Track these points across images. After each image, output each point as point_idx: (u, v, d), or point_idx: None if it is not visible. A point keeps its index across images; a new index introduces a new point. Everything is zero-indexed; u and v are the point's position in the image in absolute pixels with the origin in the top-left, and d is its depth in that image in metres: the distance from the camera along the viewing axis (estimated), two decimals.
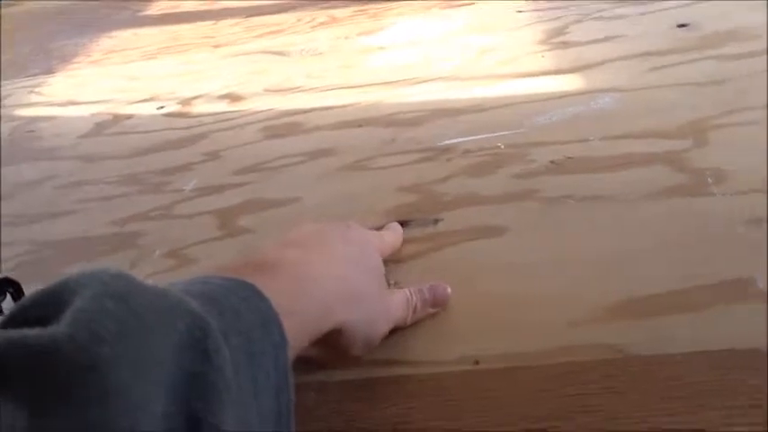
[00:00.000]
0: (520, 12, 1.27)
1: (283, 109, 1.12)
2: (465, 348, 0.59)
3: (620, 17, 1.15)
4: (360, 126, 1.01)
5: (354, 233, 0.59)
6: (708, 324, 0.57)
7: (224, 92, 1.24)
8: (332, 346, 0.50)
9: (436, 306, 0.61)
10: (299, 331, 0.42)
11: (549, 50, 1.10)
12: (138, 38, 1.63)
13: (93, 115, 1.27)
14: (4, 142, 1.25)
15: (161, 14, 1.80)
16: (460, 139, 0.91)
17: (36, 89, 1.46)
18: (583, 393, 0.53)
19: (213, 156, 1.03)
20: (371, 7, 1.47)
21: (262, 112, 1.13)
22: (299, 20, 1.51)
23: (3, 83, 1.53)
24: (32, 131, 1.27)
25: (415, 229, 0.76)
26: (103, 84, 1.40)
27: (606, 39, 1.09)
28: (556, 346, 0.58)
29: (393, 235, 0.70)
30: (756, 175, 0.71)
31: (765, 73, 0.89)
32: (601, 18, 1.17)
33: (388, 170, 0.89)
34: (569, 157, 0.82)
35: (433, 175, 0.85)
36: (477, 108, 0.98)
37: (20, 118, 1.34)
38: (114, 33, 1.69)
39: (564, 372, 0.56)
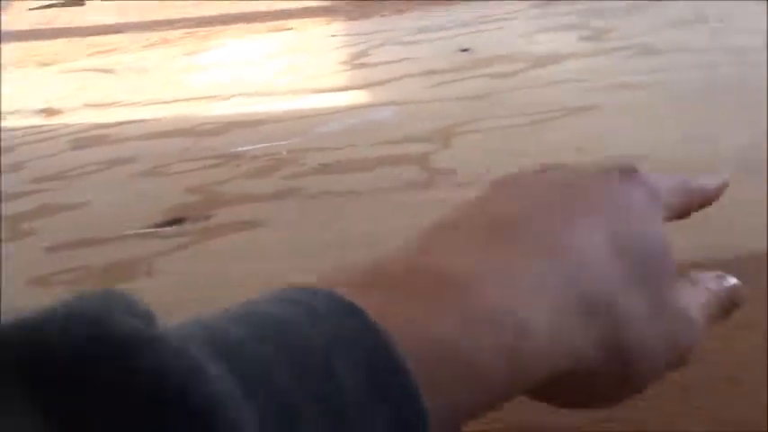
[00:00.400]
0: (333, 36, 1.39)
1: (96, 122, 1.16)
2: None
3: (416, 42, 1.29)
4: (163, 137, 1.07)
5: (626, 188, 0.30)
6: None
7: (42, 107, 1.26)
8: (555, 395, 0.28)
9: (730, 313, 0.33)
10: (467, 397, 0.23)
11: (348, 70, 1.22)
12: None
13: None
14: None
15: None
16: (250, 147, 0.99)
17: None
18: None
19: (16, 167, 1.05)
20: (202, 30, 1.54)
21: (75, 125, 1.16)
22: (132, 41, 1.56)
23: None
24: None
25: (187, 225, 0.83)
26: None
27: (399, 60, 1.22)
28: None
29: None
30: (478, 172, 0.84)
31: (524, 89, 1.04)
32: (400, 43, 1.31)
33: (180, 175, 0.96)
34: (337, 161, 0.92)
35: (217, 178, 0.92)
36: (274, 119, 1.07)
37: None
38: None
39: None
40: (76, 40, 1.60)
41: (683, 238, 0.32)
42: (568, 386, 0.26)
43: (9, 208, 0.94)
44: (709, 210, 0.36)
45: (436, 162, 0.88)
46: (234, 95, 1.18)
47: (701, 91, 0.97)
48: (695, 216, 0.35)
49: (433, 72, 1.16)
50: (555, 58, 1.13)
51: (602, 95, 1.00)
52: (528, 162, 0.84)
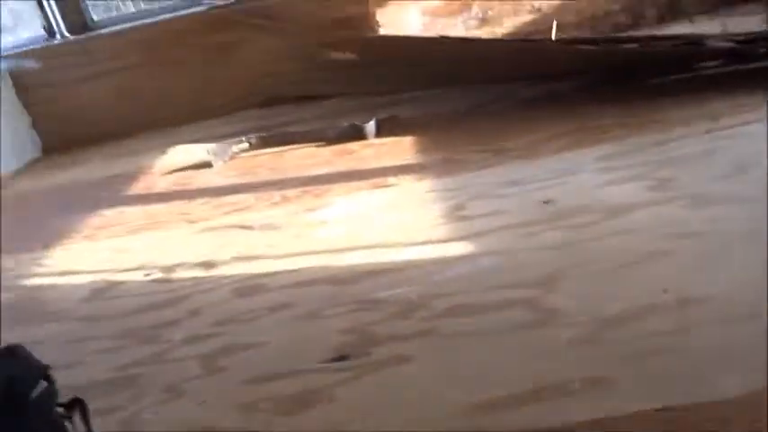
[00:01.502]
0: (429, 192, 1.66)
1: (249, 273, 1.43)
2: None
3: (504, 196, 1.55)
4: (310, 285, 1.33)
5: None
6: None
7: (200, 260, 1.54)
8: None
9: None
10: None
11: (449, 222, 1.47)
12: (122, 215, 1.95)
13: (89, 283, 1.54)
14: (12, 307, 1.50)
15: (139, 195, 2.13)
16: (384, 293, 1.23)
17: (36, 261, 1.73)
18: None
19: (195, 312, 1.31)
20: (314, 188, 1.84)
21: (232, 276, 1.43)
22: (257, 199, 1.87)
23: (4, 256, 1.80)
24: (36, 298, 1.53)
25: (352, 361, 1.05)
26: (96, 256, 1.69)
27: (492, 213, 1.47)
28: None
29: None
30: (582, 314, 1.05)
31: (604, 238, 1.27)
32: (489, 196, 1.56)
33: (333, 318, 1.19)
34: (459, 305, 1.15)
35: (366, 321, 1.16)
36: (397, 269, 1.32)
37: (23, 287, 1.60)
38: (101, 212, 2.00)
39: None
40: (212, 200, 1.92)
41: None
42: None
43: (200, 348, 1.18)
44: None
45: (544, 304, 1.10)
46: (357, 248, 1.44)
47: (753, 235, 1.17)
48: None
49: (523, 223, 1.40)
50: (626, 209, 1.35)
51: (671, 242, 1.20)
52: (622, 304, 1.05)
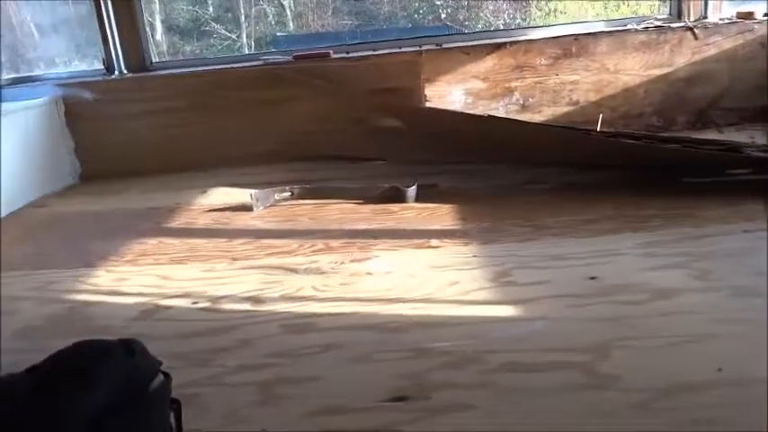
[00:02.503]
0: (473, 257, 1.71)
1: (298, 312, 1.46)
2: None
3: (548, 267, 1.60)
4: (360, 330, 1.35)
5: None
6: None
7: (247, 295, 1.57)
8: None
9: None
10: None
11: (497, 287, 1.52)
12: (163, 245, 1.99)
13: (137, 304, 1.56)
14: (57, 319, 1.52)
15: (180, 228, 2.18)
16: (438, 344, 1.26)
17: (80, 279, 1.75)
18: None
19: (245, 343, 1.33)
20: (358, 241, 1.89)
21: (281, 312, 1.46)
22: (300, 245, 1.91)
23: (44, 271, 1.82)
24: (83, 313, 1.55)
25: (411, 403, 1.07)
26: (141, 280, 1.72)
27: (539, 282, 1.52)
28: None
29: None
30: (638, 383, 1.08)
31: (654, 317, 1.31)
32: (535, 267, 1.61)
33: (385, 362, 1.22)
34: (514, 362, 1.17)
35: (420, 368, 1.18)
36: (448, 323, 1.35)
37: (69, 301, 1.62)
38: (142, 240, 2.04)
39: None
40: (254, 241, 1.97)
41: None
42: None
43: (256, 375, 1.20)
44: None
45: (599, 370, 1.13)
46: (406, 300, 1.48)
47: None
48: None
49: (570, 295, 1.44)
50: (671, 292, 1.40)
51: (720, 325, 1.25)
52: (677, 377, 1.08)
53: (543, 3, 4.89)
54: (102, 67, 2.97)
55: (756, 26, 2.76)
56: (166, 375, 0.78)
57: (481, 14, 5.05)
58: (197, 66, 2.97)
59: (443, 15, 5.08)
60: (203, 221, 2.22)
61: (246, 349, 1.31)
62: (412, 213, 2.12)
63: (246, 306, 1.52)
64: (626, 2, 4.43)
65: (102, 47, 2.94)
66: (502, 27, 4.56)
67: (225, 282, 1.67)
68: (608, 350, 1.19)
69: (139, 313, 1.52)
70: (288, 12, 5.25)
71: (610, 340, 1.23)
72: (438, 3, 5.07)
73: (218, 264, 1.81)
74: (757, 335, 1.21)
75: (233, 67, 2.90)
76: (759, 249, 1.60)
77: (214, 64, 3.00)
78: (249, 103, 2.79)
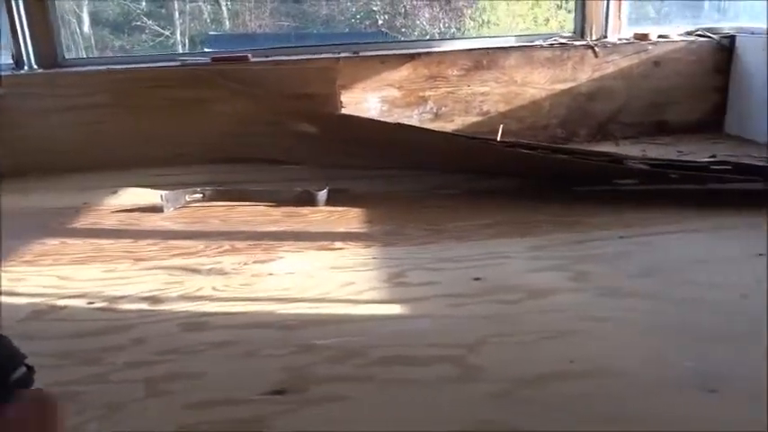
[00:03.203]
0: (373, 258, 1.79)
1: (195, 311, 1.49)
2: None
3: (439, 269, 1.69)
4: (254, 328, 1.40)
5: None
6: None
7: (146, 295, 1.59)
8: None
9: None
10: None
11: (391, 287, 1.59)
12: (66, 246, 1.97)
13: (30, 304, 1.56)
14: None
15: (86, 228, 2.16)
16: (324, 341, 1.32)
17: None
18: None
19: (140, 341, 1.36)
20: (264, 243, 1.94)
21: (178, 312, 1.49)
22: (206, 246, 1.94)
23: None
24: None
25: (289, 396, 1.13)
26: (38, 280, 1.71)
27: (428, 283, 1.61)
28: None
29: None
30: (503, 375, 1.17)
31: (526, 314, 1.42)
32: (428, 269, 1.70)
33: (274, 357, 1.27)
34: (394, 356, 1.25)
35: (304, 362, 1.24)
36: (338, 321, 1.42)
37: None
38: (45, 240, 2.01)
39: None
40: (160, 242, 1.98)
41: None
42: None
43: (144, 372, 1.23)
44: None
45: (469, 362, 1.22)
46: (303, 300, 1.54)
47: (654, 324, 1.35)
48: None
49: (454, 294, 1.54)
50: (547, 292, 1.52)
51: (584, 323, 1.37)
52: (536, 369, 1.19)
53: (477, 14, 5.06)
54: (12, 61, 2.89)
55: (650, 47, 2.96)
56: (30, 368, 0.81)
57: (418, 22, 5.17)
58: (114, 63, 2.93)
59: (380, 21, 5.17)
60: (111, 222, 2.21)
61: (138, 347, 1.34)
62: (321, 216, 2.18)
63: (144, 306, 1.54)
64: (555, 18, 4.64)
65: (12, 41, 2.86)
66: (437, 36, 4.69)
67: (125, 282, 1.69)
68: (480, 345, 1.29)
69: (31, 313, 1.51)
70: (224, 10, 5.21)
71: (484, 336, 1.33)
72: (375, 9, 5.15)
73: (120, 264, 1.82)
74: (615, 331, 1.34)
75: (150, 67, 2.89)
76: (632, 253, 1.74)
77: (132, 62, 2.97)
78: (166, 103, 2.77)
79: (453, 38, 3.91)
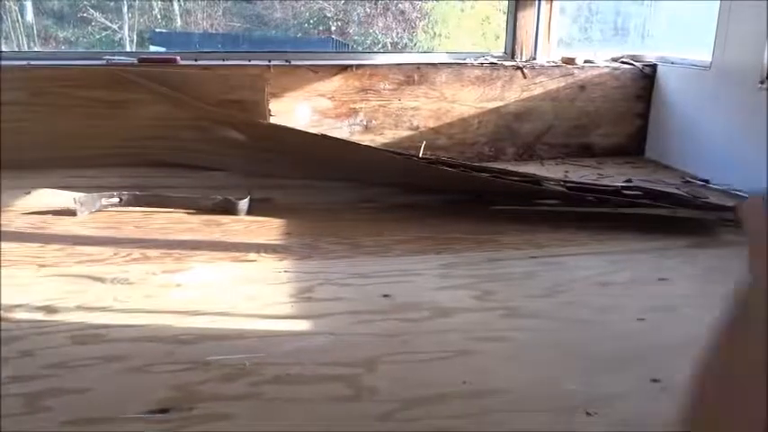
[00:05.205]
0: (285, 272, 1.78)
1: (90, 323, 1.45)
2: None
3: (349, 285, 1.70)
4: (148, 342, 1.37)
5: None
6: None
7: (42, 304, 1.54)
8: None
9: None
10: None
11: (297, 302, 1.59)
12: None
13: None
14: None
15: None
16: (220, 357, 1.31)
17: None
18: None
19: (27, 353, 1.31)
20: (176, 252, 1.90)
21: (72, 323, 1.44)
22: (115, 254, 1.89)
23: None
24: None
25: (173, 414, 1.11)
26: None
27: (335, 299, 1.61)
28: None
29: None
30: (393, 394, 1.18)
31: (428, 333, 1.43)
32: (337, 284, 1.70)
33: (164, 374, 1.25)
34: (287, 374, 1.25)
35: (194, 379, 1.22)
36: (238, 336, 1.40)
37: None
38: None
39: None
40: (67, 248, 1.91)
41: None
42: None
43: (26, 387, 1.19)
44: None
45: (361, 383, 1.22)
46: (205, 313, 1.51)
47: (548, 345, 1.39)
48: None
49: (360, 311, 1.54)
50: (451, 311, 1.54)
51: (481, 343, 1.39)
52: (428, 390, 1.20)
53: (430, 26, 5.11)
54: None
55: (576, 71, 3.06)
56: None
57: (371, 31, 5.18)
58: (34, 59, 2.83)
59: (333, 28, 5.16)
60: (19, 224, 2.12)
61: (24, 360, 1.29)
62: (240, 226, 2.15)
63: (38, 316, 1.48)
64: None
65: None
66: (389, 45, 4.71)
67: (23, 289, 1.62)
68: (376, 364, 1.30)
69: None
70: (176, 7, 5.10)
71: (381, 355, 1.33)
72: (328, 15, 5.14)
73: (22, 270, 1.75)
74: (510, 352, 1.37)
75: (73, 65, 2.80)
76: (539, 274, 1.79)
77: (53, 59, 2.87)
78: (88, 103, 2.69)
79: (386, 51, 3.93)
